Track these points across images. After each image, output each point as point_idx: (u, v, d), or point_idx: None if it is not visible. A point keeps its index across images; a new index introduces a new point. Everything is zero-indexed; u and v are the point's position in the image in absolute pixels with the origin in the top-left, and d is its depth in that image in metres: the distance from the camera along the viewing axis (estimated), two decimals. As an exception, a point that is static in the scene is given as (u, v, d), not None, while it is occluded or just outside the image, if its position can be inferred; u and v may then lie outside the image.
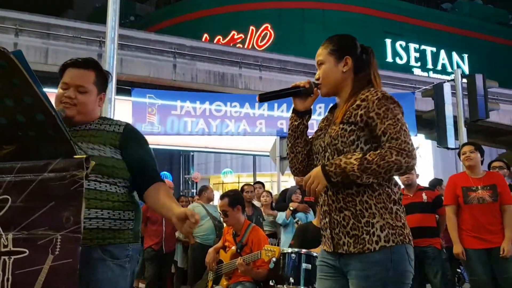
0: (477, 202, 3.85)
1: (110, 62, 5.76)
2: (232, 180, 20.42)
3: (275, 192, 8.44)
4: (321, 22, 23.36)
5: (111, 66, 5.73)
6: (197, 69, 12.88)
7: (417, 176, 5.11)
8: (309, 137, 2.03)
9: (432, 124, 9.77)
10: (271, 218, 5.95)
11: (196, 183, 19.86)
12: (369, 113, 1.77)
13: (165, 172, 16.59)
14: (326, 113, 2.05)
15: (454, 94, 9.38)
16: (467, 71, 24.57)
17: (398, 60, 24.89)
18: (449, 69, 25.48)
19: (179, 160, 22.40)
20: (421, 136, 14.17)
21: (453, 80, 9.60)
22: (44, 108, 1.40)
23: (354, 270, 1.75)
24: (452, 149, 9.06)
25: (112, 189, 1.83)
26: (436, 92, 9.14)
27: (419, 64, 25.75)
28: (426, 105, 10.93)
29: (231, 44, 21.99)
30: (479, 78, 8.96)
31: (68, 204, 1.37)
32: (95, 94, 1.97)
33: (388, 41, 24.88)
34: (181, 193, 17.21)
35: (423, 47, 26.06)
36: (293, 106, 2.00)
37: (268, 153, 9.00)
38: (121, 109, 6.97)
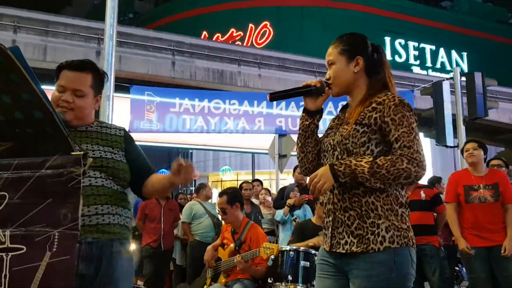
0: (479, 201, 3.84)
1: (108, 59, 5.75)
2: (231, 178, 20.43)
3: (273, 190, 8.44)
4: (320, 19, 23.32)
5: (110, 63, 5.72)
6: (196, 67, 12.86)
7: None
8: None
9: (431, 122, 9.77)
10: (270, 216, 5.96)
11: (195, 180, 19.84)
12: (384, 117, 1.76)
13: (164, 170, 16.56)
14: (338, 112, 2.03)
15: (453, 92, 9.40)
16: (466, 69, 24.59)
17: (397, 58, 24.87)
18: (448, 67, 25.46)
19: (177, 158, 22.38)
20: (420, 134, 14.13)
21: (452, 78, 9.61)
22: (42, 105, 1.40)
23: (356, 270, 1.74)
24: (450, 147, 9.06)
25: (123, 190, 1.97)
26: (435, 90, 9.15)
27: (418, 62, 25.74)
28: (425, 103, 10.93)
29: (230, 42, 21.93)
30: (478, 76, 8.96)
31: (65, 201, 1.36)
32: (92, 97, 1.97)
33: (387, 39, 24.83)
34: (180, 191, 17.16)
35: (422, 45, 26.04)
36: (303, 105, 1.98)
37: (267, 151, 8.99)
38: (119, 106, 6.96)
